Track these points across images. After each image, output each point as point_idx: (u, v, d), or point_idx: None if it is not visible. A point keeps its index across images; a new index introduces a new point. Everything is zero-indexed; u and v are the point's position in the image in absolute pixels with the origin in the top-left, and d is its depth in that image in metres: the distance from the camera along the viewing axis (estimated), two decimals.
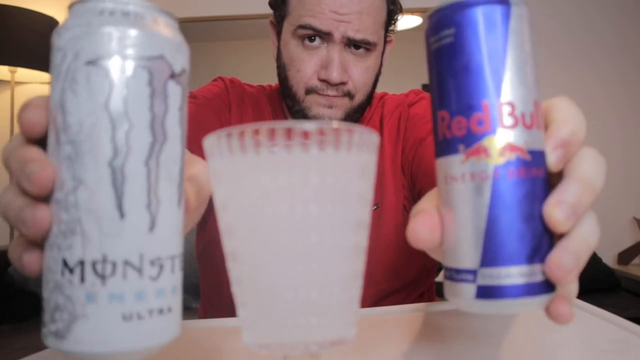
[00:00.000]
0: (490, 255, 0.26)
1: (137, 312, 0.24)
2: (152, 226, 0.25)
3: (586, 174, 0.26)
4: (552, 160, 0.27)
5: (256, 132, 0.25)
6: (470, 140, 0.27)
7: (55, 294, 0.24)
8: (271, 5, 0.82)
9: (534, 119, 0.26)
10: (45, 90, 2.48)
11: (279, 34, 0.81)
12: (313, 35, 0.73)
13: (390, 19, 0.81)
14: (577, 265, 0.25)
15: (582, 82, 2.47)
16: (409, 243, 0.28)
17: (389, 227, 0.81)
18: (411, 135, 0.82)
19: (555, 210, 0.25)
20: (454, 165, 0.27)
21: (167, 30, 0.26)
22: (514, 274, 0.25)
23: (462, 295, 0.27)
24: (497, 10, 0.27)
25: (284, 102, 0.83)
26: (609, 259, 2.34)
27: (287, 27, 0.77)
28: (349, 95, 0.76)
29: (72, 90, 0.24)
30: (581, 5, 2.49)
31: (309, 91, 0.76)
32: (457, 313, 0.54)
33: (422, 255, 0.88)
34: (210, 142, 0.27)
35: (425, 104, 0.86)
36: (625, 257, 2.35)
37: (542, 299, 0.26)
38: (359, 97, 0.78)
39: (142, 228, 0.24)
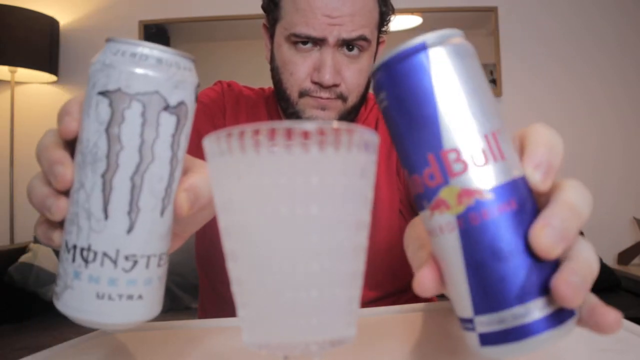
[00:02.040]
0: (480, 303, 0.26)
1: (108, 294, 0.30)
2: (130, 229, 0.30)
3: (572, 199, 0.25)
4: (538, 180, 0.26)
5: (256, 132, 0.25)
6: (430, 195, 0.26)
7: (60, 265, 0.32)
8: (264, 8, 0.82)
9: (488, 154, 0.25)
10: (44, 90, 2.48)
11: (271, 36, 0.81)
12: (306, 40, 0.74)
13: (383, 21, 0.81)
14: (584, 284, 0.24)
15: (582, 82, 2.47)
16: (417, 294, 0.28)
17: (383, 230, 0.80)
18: None
19: (543, 233, 0.24)
20: (426, 221, 0.27)
21: (168, 69, 0.31)
22: (505, 319, 0.25)
23: (471, 344, 0.27)
24: (415, 61, 0.26)
25: (279, 105, 0.83)
26: (609, 259, 2.34)
27: (280, 31, 0.77)
28: (342, 97, 0.76)
29: (87, 113, 0.30)
30: (581, 5, 2.49)
31: (303, 94, 0.76)
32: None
33: None
34: (209, 142, 0.26)
35: None
36: (625, 257, 2.35)
37: (546, 336, 0.25)
38: (352, 99, 0.78)
39: (121, 229, 0.30)
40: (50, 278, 1.93)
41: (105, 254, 0.30)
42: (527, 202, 0.26)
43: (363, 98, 0.81)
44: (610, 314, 0.25)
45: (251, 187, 0.25)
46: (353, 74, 0.76)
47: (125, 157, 0.30)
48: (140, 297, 0.31)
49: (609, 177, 2.41)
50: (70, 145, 0.32)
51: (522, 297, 0.25)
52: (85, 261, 0.30)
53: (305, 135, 0.25)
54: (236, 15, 2.43)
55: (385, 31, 0.83)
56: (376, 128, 0.86)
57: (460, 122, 0.26)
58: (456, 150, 0.25)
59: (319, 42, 0.73)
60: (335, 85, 0.75)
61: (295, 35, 0.73)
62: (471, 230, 0.25)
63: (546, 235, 0.24)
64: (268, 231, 0.25)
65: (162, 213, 0.32)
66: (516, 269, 0.25)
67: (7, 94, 2.40)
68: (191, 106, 0.32)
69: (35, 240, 2.04)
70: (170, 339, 0.52)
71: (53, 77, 2.38)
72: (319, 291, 0.25)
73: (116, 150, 0.30)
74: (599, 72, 2.47)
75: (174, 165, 0.32)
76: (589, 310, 0.26)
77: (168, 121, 0.31)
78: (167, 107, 0.31)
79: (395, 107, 0.27)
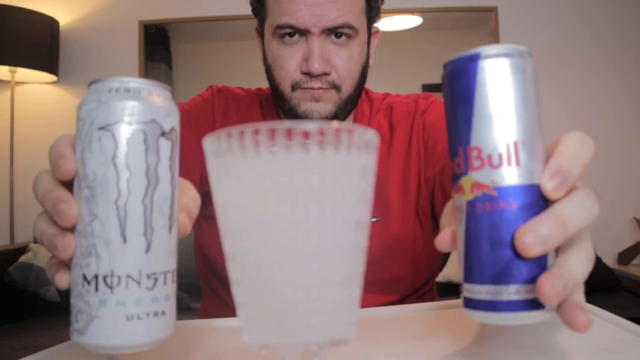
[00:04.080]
0: (467, 273, 0.32)
1: (137, 314, 0.32)
2: (148, 249, 0.32)
3: (565, 213, 0.28)
4: (549, 188, 0.29)
5: (256, 132, 0.25)
6: (455, 179, 0.32)
7: (77, 301, 0.32)
8: (253, 12, 0.82)
9: (504, 158, 0.30)
10: (44, 90, 2.47)
11: (263, 37, 0.81)
12: (292, 32, 0.73)
13: (371, 9, 0.79)
14: (564, 290, 0.28)
15: (582, 82, 2.47)
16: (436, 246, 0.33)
17: (392, 238, 0.79)
18: (437, 144, 0.80)
19: (525, 235, 0.28)
20: (453, 198, 0.33)
21: (159, 99, 0.34)
22: (479, 290, 0.31)
23: (462, 304, 0.33)
24: (467, 67, 0.31)
25: (277, 104, 0.82)
26: (609, 259, 2.34)
27: (268, 29, 0.77)
28: (335, 86, 0.75)
29: (89, 149, 0.32)
30: (581, 5, 2.49)
31: (295, 87, 0.75)
32: (456, 313, 0.54)
33: (428, 265, 0.86)
34: (210, 142, 0.27)
35: (437, 109, 0.85)
36: (625, 257, 2.34)
37: (512, 315, 0.30)
38: (346, 88, 0.76)
39: (140, 250, 0.32)
40: None
41: (129, 276, 0.32)
42: (531, 207, 0.30)
43: (359, 88, 0.79)
44: (582, 317, 0.29)
45: (251, 187, 0.25)
46: (343, 61, 0.75)
47: (135, 183, 0.32)
48: (163, 312, 0.33)
49: (609, 177, 2.41)
50: (66, 184, 0.33)
51: (497, 280, 0.30)
52: (110, 287, 0.31)
53: (306, 135, 0.25)
54: (236, 15, 2.43)
55: (377, 20, 0.82)
56: (390, 135, 0.84)
57: (488, 127, 0.30)
58: (478, 149, 0.31)
59: (303, 32, 0.73)
60: (326, 74, 0.74)
61: (280, 27, 0.73)
62: (474, 216, 0.31)
63: (528, 237, 0.28)
64: (268, 231, 0.25)
65: (170, 230, 0.34)
66: (498, 257, 0.30)
67: (7, 94, 2.40)
68: (179, 131, 0.35)
69: (35, 240, 2.04)
70: (171, 339, 0.51)
71: (53, 77, 2.38)
72: (319, 291, 0.25)
73: (125, 177, 0.32)
74: (598, 72, 2.47)
75: (174, 185, 0.34)
76: (567, 306, 0.29)
77: (165, 146, 0.33)
78: (163, 133, 0.33)
79: (447, 102, 0.33)
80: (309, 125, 0.25)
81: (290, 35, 0.74)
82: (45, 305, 1.95)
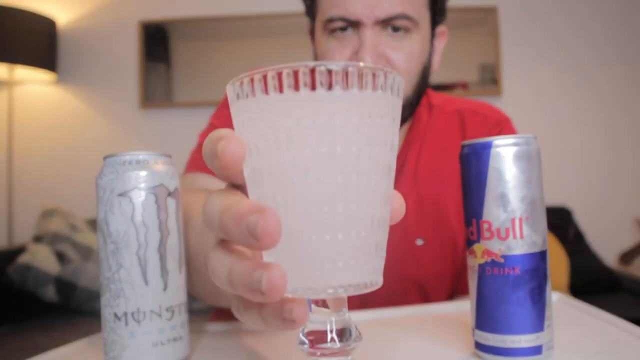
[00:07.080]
0: (478, 322, 0.38)
1: (160, 341, 0.39)
2: (165, 287, 0.39)
3: None
4: None
5: (279, 74, 0.24)
6: (469, 244, 0.38)
7: (110, 334, 0.39)
8: (306, 11, 0.77)
9: (511, 232, 0.36)
10: (43, 90, 2.46)
11: (313, 35, 0.76)
12: (344, 26, 0.67)
13: (435, 2, 0.72)
14: None
15: (583, 82, 2.47)
16: None
17: (442, 259, 0.76)
18: None
19: None
20: (467, 258, 0.39)
21: (164, 166, 0.41)
22: (488, 338, 0.37)
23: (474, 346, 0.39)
24: (481, 152, 0.36)
25: None
26: (611, 260, 2.34)
27: (318, 26, 0.71)
28: None
29: (111, 212, 0.39)
30: (581, 4, 2.50)
31: None
32: (459, 314, 0.53)
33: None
34: (233, 87, 0.26)
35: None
36: (626, 257, 2.34)
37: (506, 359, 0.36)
38: (405, 89, 0.68)
39: (159, 289, 0.39)
40: (49, 278, 1.91)
41: (152, 311, 0.39)
42: (532, 271, 0.36)
43: (419, 92, 0.72)
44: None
45: (275, 129, 0.25)
46: (400, 56, 0.67)
47: (151, 236, 0.39)
48: (180, 337, 0.40)
49: (610, 177, 2.41)
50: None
51: (502, 330, 0.36)
52: (137, 321, 0.38)
53: (330, 75, 0.24)
54: (236, 15, 2.44)
55: (443, 18, 0.75)
56: (464, 136, 0.79)
57: (498, 205, 0.36)
58: (489, 222, 0.36)
59: (355, 25, 0.66)
60: None
61: (330, 21, 0.67)
62: (484, 277, 0.37)
63: None
64: (292, 173, 0.24)
65: (180, 271, 0.41)
66: (503, 312, 0.36)
67: (5, 94, 2.39)
68: (179, 190, 0.42)
69: (34, 241, 2.03)
70: None
71: (52, 77, 2.37)
72: (345, 233, 0.24)
73: (143, 232, 0.39)
74: (599, 72, 2.48)
75: (180, 234, 0.41)
76: None
77: (171, 203, 0.40)
78: (169, 194, 0.40)
79: (463, 178, 0.38)
80: (334, 66, 0.24)
81: (342, 29, 0.67)
82: (43, 306, 1.93)
